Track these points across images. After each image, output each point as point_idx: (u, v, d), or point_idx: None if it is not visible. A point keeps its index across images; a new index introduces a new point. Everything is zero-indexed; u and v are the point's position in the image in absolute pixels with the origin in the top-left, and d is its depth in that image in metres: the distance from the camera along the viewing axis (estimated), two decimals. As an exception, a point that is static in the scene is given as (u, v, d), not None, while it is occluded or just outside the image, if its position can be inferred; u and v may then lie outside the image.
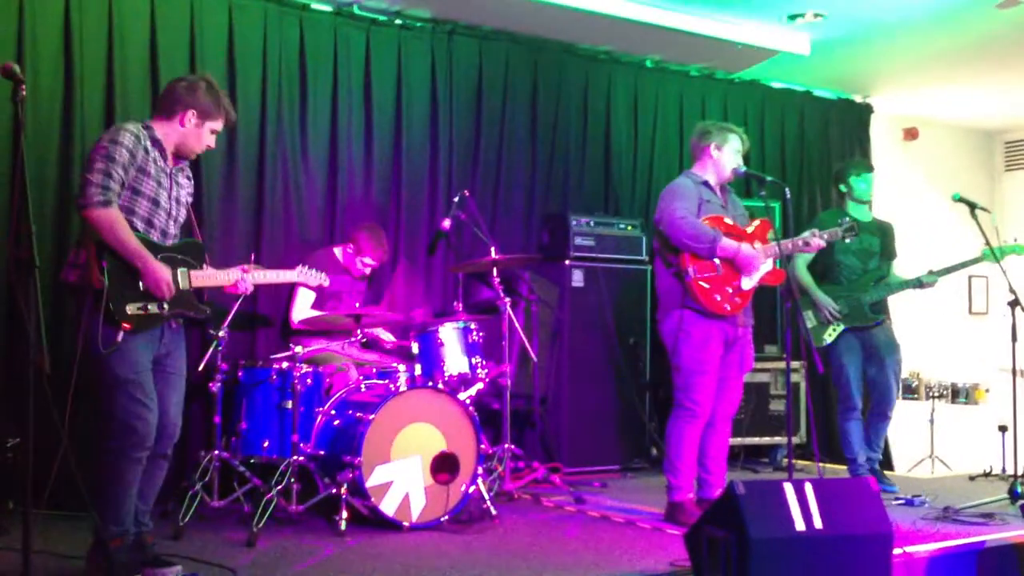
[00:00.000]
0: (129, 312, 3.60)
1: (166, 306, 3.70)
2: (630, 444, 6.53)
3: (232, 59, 5.56)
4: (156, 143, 3.76)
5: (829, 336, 5.76)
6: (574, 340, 6.34)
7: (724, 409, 4.93)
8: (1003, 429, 6.31)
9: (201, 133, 3.84)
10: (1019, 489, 5.50)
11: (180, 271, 3.77)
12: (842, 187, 5.96)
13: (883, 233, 5.95)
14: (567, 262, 6.36)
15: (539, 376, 6.24)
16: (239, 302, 4.79)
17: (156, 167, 3.73)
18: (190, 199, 3.98)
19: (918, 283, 5.81)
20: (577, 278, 6.39)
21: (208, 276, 3.91)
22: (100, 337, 3.53)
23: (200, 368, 4.78)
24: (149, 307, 3.66)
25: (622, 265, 6.52)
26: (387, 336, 5.73)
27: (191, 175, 4.00)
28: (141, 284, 3.63)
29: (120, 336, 3.57)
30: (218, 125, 3.88)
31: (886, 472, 6.06)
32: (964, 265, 5.83)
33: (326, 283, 4.59)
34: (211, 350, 4.75)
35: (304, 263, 5.38)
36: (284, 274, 4.37)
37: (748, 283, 4.84)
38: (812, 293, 5.76)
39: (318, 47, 5.85)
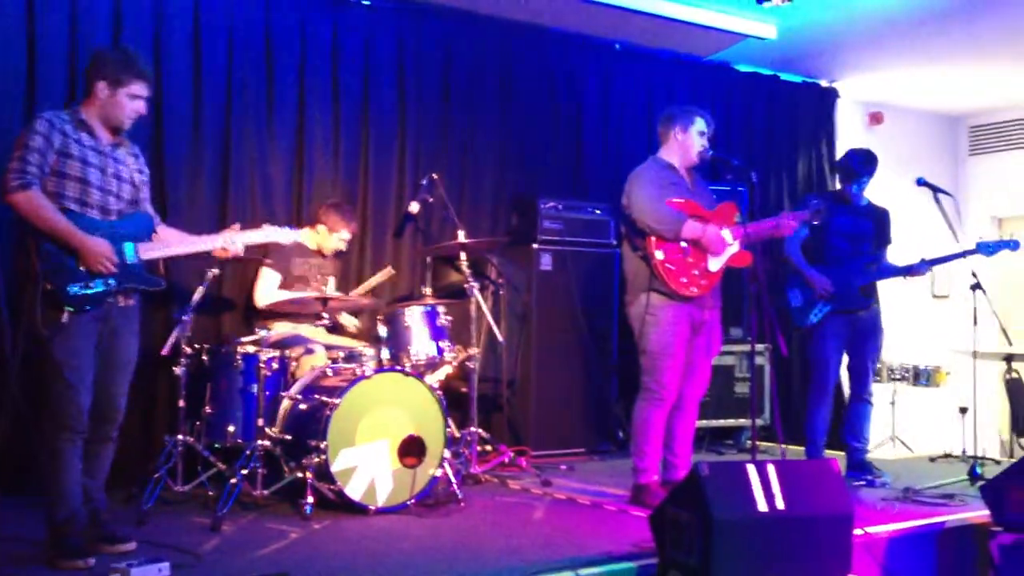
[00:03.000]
0: (72, 293, 3.61)
1: (112, 281, 3.70)
2: (597, 427, 6.56)
3: (198, 40, 5.49)
4: (83, 124, 3.77)
5: (815, 316, 5.68)
6: (542, 324, 6.35)
7: (692, 392, 4.96)
8: (963, 411, 6.40)
9: (118, 100, 3.79)
10: (979, 470, 5.60)
11: (126, 244, 3.77)
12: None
13: (877, 218, 5.88)
14: (535, 246, 6.36)
15: (507, 360, 6.24)
16: (205, 284, 4.75)
17: (82, 147, 3.73)
18: (139, 174, 3.95)
19: (908, 270, 5.73)
20: (545, 261, 6.39)
21: (157, 246, 3.90)
22: (41, 319, 3.55)
23: (164, 352, 4.74)
24: (92, 284, 3.65)
25: (590, 249, 6.54)
26: (350, 321, 5.71)
27: (138, 152, 3.99)
28: (81, 263, 3.64)
29: (64, 317, 3.59)
30: (136, 89, 3.81)
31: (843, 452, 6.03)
32: (957, 256, 5.73)
33: (298, 239, 4.56)
34: (175, 333, 4.71)
35: (268, 248, 5.39)
36: (251, 235, 4.28)
37: (715, 265, 4.87)
38: (804, 271, 5.70)
39: (284, 28, 5.80)
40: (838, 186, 6.16)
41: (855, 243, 5.79)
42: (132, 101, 3.82)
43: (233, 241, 4.10)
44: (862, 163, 5.80)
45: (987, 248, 5.60)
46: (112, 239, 3.73)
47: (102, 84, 3.77)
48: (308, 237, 5.54)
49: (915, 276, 5.78)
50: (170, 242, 4.00)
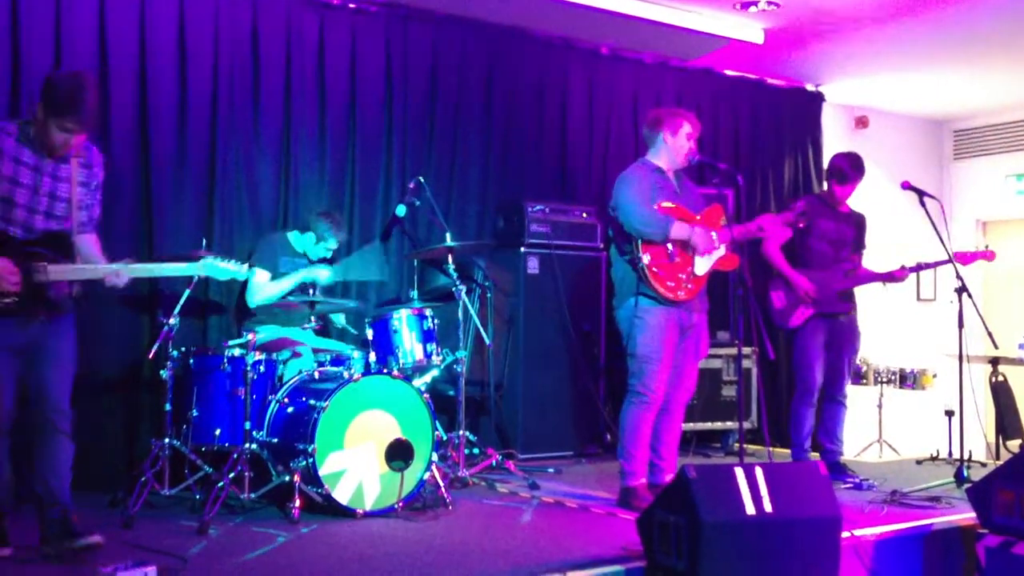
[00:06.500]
0: None
1: (11, 300, 3.67)
2: (584, 430, 6.55)
3: (184, 42, 5.48)
4: (28, 140, 3.73)
5: (797, 319, 5.73)
6: (529, 326, 6.35)
7: (679, 396, 4.97)
8: (949, 414, 6.41)
9: (49, 128, 3.70)
10: (965, 473, 5.62)
11: (37, 265, 3.72)
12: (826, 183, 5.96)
13: (856, 224, 5.93)
14: (522, 249, 6.36)
15: (494, 363, 6.24)
16: (190, 287, 4.73)
17: (16, 165, 3.70)
18: (83, 187, 3.87)
19: (889, 276, 5.79)
20: (532, 265, 6.39)
21: (63, 269, 3.79)
22: None
23: (150, 355, 4.72)
24: None
25: (577, 252, 6.54)
26: (340, 319, 5.68)
27: (92, 161, 3.91)
28: None
29: None
30: (67, 123, 3.69)
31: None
32: (937, 264, 5.81)
33: (242, 271, 4.43)
34: (161, 337, 4.69)
35: (256, 247, 5.39)
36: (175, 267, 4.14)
37: (701, 268, 4.88)
38: (786, 273, 5.73)
39: (270, 30, 5.78)
40: (824, 188, 6.16)
41: (836, 248, 5.83)
42: (62, 132, 3.72)
43: (118, 274, 3.87)
44: (854, 166, 5.82)
45: (964, 258, 5.68)
46: (26, 258, 3.68)
47: (40, 106, 3.72)
48: (294, 239, 5.53)
49: (895, 282, 5.87)
50: (74, 268, 3.85)
